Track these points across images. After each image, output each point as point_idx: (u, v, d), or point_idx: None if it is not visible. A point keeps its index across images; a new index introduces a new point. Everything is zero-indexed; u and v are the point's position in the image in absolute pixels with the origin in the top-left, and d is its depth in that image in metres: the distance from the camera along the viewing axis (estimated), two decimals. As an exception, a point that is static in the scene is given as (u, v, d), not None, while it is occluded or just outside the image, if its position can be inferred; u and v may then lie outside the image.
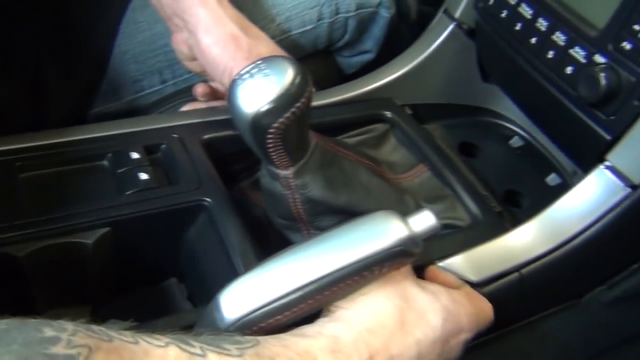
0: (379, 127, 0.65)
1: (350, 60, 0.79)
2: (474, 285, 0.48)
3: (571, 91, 0.51)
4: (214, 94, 0.63)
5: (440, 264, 0.49)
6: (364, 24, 0.74)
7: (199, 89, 0.62)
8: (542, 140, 0.71)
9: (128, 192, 0.49)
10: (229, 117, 0.45)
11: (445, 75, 0.71)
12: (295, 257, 0.37)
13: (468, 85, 0.73)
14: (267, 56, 0.42)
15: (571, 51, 0.50)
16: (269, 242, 0.51)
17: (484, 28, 0.63)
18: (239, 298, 0.36)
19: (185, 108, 0.63)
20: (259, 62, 0.42)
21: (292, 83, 0.41)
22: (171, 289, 0.53)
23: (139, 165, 0.51)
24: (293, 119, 0.41)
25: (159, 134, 0.56)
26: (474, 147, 0.72)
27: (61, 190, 0.49)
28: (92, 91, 0.66)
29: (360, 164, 0.53)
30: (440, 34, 0.68)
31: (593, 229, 0.50)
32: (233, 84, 0.41)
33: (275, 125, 0.41)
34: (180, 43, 0.60)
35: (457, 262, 0.49)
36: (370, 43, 0.77)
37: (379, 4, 0.73)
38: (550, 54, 0.52)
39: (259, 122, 0.41)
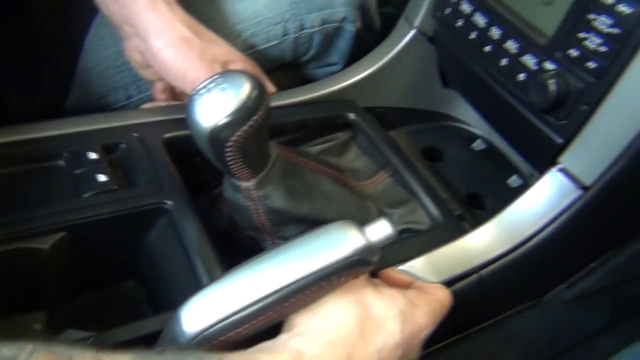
0: (342, 135, 0.66)
1: (317, 72, 0.79)
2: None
3: (524, 97, 0.52)
4: (173, 93, 0.63)
5: (401, 267, 0.50)
6: (329, 38, 0.75)
7: (158, 86, 0.62)
8: (503, 144, 0.73)
9: (86, 195, 0.48)
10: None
11: (406, 79, 0.73)
12: (253, 270, 0.37)
13: (430, 91, 0.75)
14: (223, 71, 0.43)
15: (522, 59, 0.52)
16: (238, 253, 0.51)
17: (442, 36, 0.64)
18: (199, 312, 0.36)
19: (145, 106, 0.63)
20: (215, 77, 0.42)
21: (249, 97, 0.41)
22: (129, 292, 0.52)
23: (97, 166, 0.50)
24: (251, 132, 0.42)
25: (118, 132, 0.55)
26: (438, 152, 0.74)
27: (14, 192, 0.48)
28: (57, 108, 0.65)
29: (322, 173, 0.54)
30: (401, 40, 0.70)
31: (548, 230, 0.52)
32: (190, 99, 0.42)
33: (233, 138, 0.41)
34: (132, 50, 0.59)
35: (417, 265, 0.50)
36: (337, 56, 0.78)
37: (344, 19, 0.74)
38: (504, 62, 0.54)
39: (217, 136, 0.41)
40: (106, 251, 0.49)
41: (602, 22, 0.45)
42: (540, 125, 0.53)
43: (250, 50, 0.70)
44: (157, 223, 0.50)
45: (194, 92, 0.42)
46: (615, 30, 0.44)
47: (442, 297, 0.46)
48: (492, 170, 0.72)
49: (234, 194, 0.48)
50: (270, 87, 0.65)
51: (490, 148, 0.75)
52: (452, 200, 0.63)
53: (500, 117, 0.63)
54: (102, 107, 0.66)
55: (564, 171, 0.51)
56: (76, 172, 0.49)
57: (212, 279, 0.43)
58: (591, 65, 0.46)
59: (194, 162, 0.57)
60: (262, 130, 0.43)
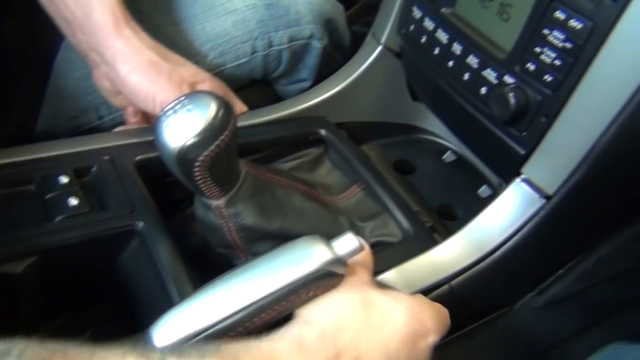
0: (314, 151, 0.67)
1: (287, 89, 0.81)
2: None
3: (486, 110, 0.54)
4: (144, 117, 0.63)
5: (372, 280, 0.50)
6: (298, 55, 0.76)
7: (130, 110, 0.62)
8: (473, 155, 0.74)
9: (57, 219, 0.48)
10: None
11: (376, 94, 0.74)
12: (222, 287, 0.38)
13: (399, 104, 0.76)
14: (187, 87, 0.44)
15: (484, 73, 0.54)
16: (212, 271, 0.51)
17: (408, 52, 0.66)
18: (169, 330, 0.36)
19: (117, 130, 0.63)
20: (181, 98, 0.43)
21: (216, 116, 0.42)
22: (104, 315, 0.52)
23: (68, 190, 0.50)
24: (219, 151, 0.42)
25: (90, 156, 0.55)
26: (409, 164, 0.75)
27: (-15, 217, 0.47)
28: (27, 131, 0.65)
29: (293, 188, 0.55)
30: (369, 56, 0.71)
31: (515, 239, 0.53)
32: (157, 121, 0.43)
33: (201, 158, 0.42)
34: (100, 78, 0.60)
35: (389, 277, 0.51)
36: (306, 72, 0.79)
37: (311, 36, 0.75)
38: (466, 76, 0.56)
39: (185, 156, 0.42)
40: (79, 274, 0.49)
41: (556, 37, 0.46)
42: (503, 137, 0.54)
43: (219, 69, 0.71)
44: (129, 245, 0.50)
45: (160, 114, 0.43)
46: (568, 45, 0.46)
47: (444, 311, 0.45)
48: (462, 181, 0.73)
49: (205, 213, 0.49)
50: (241, 107, 0.66)
51: (460, 159, 0.76)
52: (423, 212, 0.64)
53: (467, 130, 0.64)
54: (74, 128, 0.66)
55: (527, 181, 0.53)
56: (47, 196, 0.50)
57: (184, 298, 0.43)
58: (548, 78, 0.48)
59: (165, 182, 0.57)
60: (231, 149, 0.44)
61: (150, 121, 0.63)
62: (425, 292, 0.51)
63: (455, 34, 0.56)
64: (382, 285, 0.44)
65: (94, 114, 0.67)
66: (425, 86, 0.68)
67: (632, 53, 0.43)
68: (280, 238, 0.50)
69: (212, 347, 0.33)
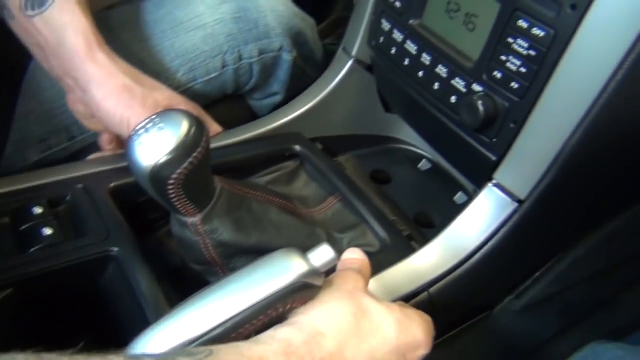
0: (290, 164, 0.67)
1: (261, 103, 0.81)
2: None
3: (457, 118, 0.55)
4: (120, 143, 0.63)
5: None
6: (269, 68, 0.77)
7: (105, 138, 0.62)
8: (448, 162, 0.75)
9: (32, 250, 0.48)
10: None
11: (350, 107, 0.75)
12: (199, 305, 0.37)
13: (373, 116, 0.77)
14: (161, 111, 0.44)
15: (453, 82, 0.55)
16: (190, 289, 0.51)
17: (379, 64, 0.67)
18: (146, 350, 0.36)
19: (91, 157, 0.63)
20: (153, 117, 0.43)
21: (188, 134, 0.42)
22: (84, 344, 0.51)
23: (42, 220, 0.50)
24: (192, 169, 0.42)
25: (64, 185, 0.55)
26: (386, 174, 0.76)
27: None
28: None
29: (270, 203, 0.55)
30: (341, 70, 0.72)
31: (491, 244, 0.54)
32: (129, 140, 0.43)
33: (175, 176, 0.42)
34: (75, 103, 0.60)
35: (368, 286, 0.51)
36: (278, 86, 0.79)
37: (281, 48, 0.76)
38: (436, 86, 0.57)
39: (158, 175, 0.42)
40: (57, 304, 0.49)
41: (520, 46, 0.47)
42: (474, 144, 0.55)
43: (190, 84, 0.71)
44: (105, 271, 0.50)
45: (132, 134, 0.43)
46: (532, 53, 0.47)
47: (430, 320, 0.46)
48: (438, 189, 0.74)
49: (181, 230, 0.49)
50: (216, 128, 0.66)
51: (436, 167, 0.77)
52: (401, 221, 0.64)
53: (439, 138, 0.65)
54: (44, 150, 0.66)
55: (499, 186, 0.54)
56: (22, 228, 0.50)
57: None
58: (514, 85, 0.49)
59: (141, 202, 0.57)
60: (204, 166, 0.44)
61: (125, 148, 0.63)
62: (404, 300, 0.52)
63: (424, 45, 0.57)
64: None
65: (64, 135, 0.67)
66: (398, 97, 0.69)
67: (593, 58, 0.44)
68: (258, 253, 0.50)
69: (204, 352, 0.33)
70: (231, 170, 0.65)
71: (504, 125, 0.51)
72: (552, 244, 0.62)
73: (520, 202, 0.53)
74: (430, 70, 0.57)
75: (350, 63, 0.71)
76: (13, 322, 0.47)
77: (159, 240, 0.60)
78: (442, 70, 0.56)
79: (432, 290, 0.54)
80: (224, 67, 0.73)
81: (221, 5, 0.73)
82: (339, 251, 0.44)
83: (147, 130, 0.42)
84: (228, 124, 0.69)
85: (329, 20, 1.04)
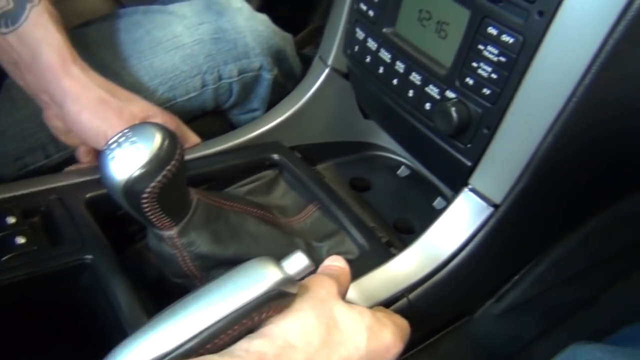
0: (269, 174, 0.68)
1: (240, 118, 0.81)
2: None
3: (432, 124, 0.55)
4: (97, 155, 0.63)
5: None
6: (249, 86, 0.77)
7: (82, 150, 0.62)
8: (425, 168, 0.76)
9: (3, 258, 0.48)
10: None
11: (328, 115, 0.75)
12: (172, 317, 0.37)
13: (351, 123, 0.77)
14: (135, 123, 0.44)
15: (427, 89, 0.55)
16: (169, 302, 0.51)
17: (354, 72, 0.67)
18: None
19: (68, 169, 0.63)
20: (125, 131, 0.43)
21: (161, 147, 0.42)
22: (62, 354, 0.51)
23: (15, 230, 0.50)
24: (166, 182, 0.42)
25: (39, 196, 0.55)
26: (365, 181, 0.76)
27: None
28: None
29: (247, 213, 0.55)
30: (318, 78, 0.72)
31: (468, 248, 0.55)
32: (102, 155, 0.42)
33: (148, 189, 0.42)
34: (52, 118, 0.60)
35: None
36: (257, 102, 0.80)
37: (260, 68, 0.76)
38: (411, 93, 0.57)
39: (132, 188, 0.42)
40: (31, 313, 0.49)
41: (490, 52, 0.48)
42: (449, 150, 0.55)
43: (170, 103, 0.72)
44: (80, 280, 0.49)
45: (105, 148, 0.43)
46: (502, 59, 0.47)
47: (405, 323, 0.47)
48: (417, 194, 0.75)
49: (158, 244, 0.48)
50: (194, 139, 0.66)
51: (415, 173, 0.78)
52: (380, 227, 0.65)
53: (416, 145, 0.66)
54: (20, 168, 0.65)
55: (474, 191, 0.54)
56: None
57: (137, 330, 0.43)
58: (486, 91, 0.49)
59: (118, 216, 0.57)
60: (179, 179, 0.44)
61: None
62: (384, 306, 0.52)
63: (398, 53, 0.58)
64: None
65: (41, 153, 0.66)
66: (374, 104, 0.70)
67: (561, 64, 0.45)
68: (236, 264, 0.49)
69: None
70: (210, 180, 0.65)
71: (477, 130, 0.52)
72: (530, 246, 0.62)
73: (495, 206, 0.53)
74: (404, 77, 0.57)
75: (326, 71, 0.72)
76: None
77: (138, 252, 0.59)
78: (415, 78, 0.56)
79: (411, 295, 0.54)
80: (203, 86, 0.73)
81: (200, 26, 0.73)
82: (317, 259, 0.44)
83: (119, 145, 0.42)
84: (207, 136, 0.69)
85: (306, 31, 1.04)
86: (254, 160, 0.68)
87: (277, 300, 0.39)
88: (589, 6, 0.42)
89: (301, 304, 0.41)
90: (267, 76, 0.77)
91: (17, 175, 0.65)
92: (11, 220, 0.50)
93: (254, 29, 0.76)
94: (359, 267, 0.54)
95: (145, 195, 0.42)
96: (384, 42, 0.59)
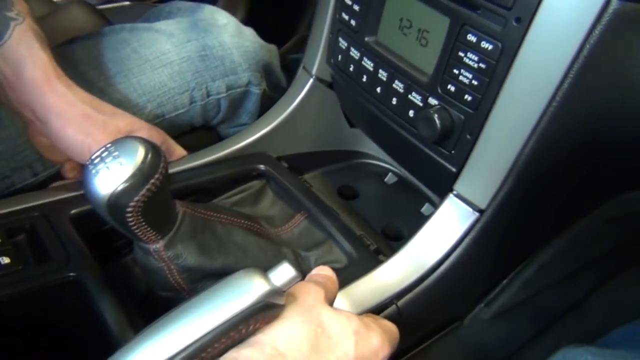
0: (256, 184, 0.68)
1: (229, 132, 0.82)
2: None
3: (416, 132, 0.56)
4: (82, 170, 0.63)
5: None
6: (237, 101, 0.78)
7: (67, 166, 0.62)
8: (411, 175, 0.76)
9: None
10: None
11: (314, 124, 0.76)
12: (159, 331, 0.37)
13: (337, 132, 0.78)
14: (115, 139, 0.44)
15: (410, 96, 0.55)
16: (157, 317, 0.51)
17: (338, 81, 0.67)
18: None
19: (53, 185, 0.63)
20: (108, 146, 0.43)
21: (144, 161, 0.42)
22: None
23: None
24: (150, 195, 0.42)
25: (23, 214, 0.55)
26: (353, 189, 0.76)
27: None
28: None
29: (234, 224, 0.55)
30: (303, 88, 0.73)
31: (455, 254, 0.55)
32: (85, 170, 0.42)
33: (132, 203, 0.42)
34: (36, 135, 0.60)
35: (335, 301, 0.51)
36: (246, 117, 0.80)
37: (248, 83, 0.77)
38: (394, 101, 0.57)
39: (116, 203, 0.42)
40: (17, 332, 0.48)
41: (471, 59, 0.49)
42: (434, 157, 0.56)
43: (159, 119, 0.72)
44: (66, 297, 0.49)
45: (88, 163, 0.42)
46: (482, 65, 0.48)
47: (394, 327, 0.47)
48: (405, 201, 0.75)
49: (145, 257, 0.48)
50: (180, 152, 0.66)
51: (402, 180, 0.78)
52: (368, 235, 0.65)
53: (401, 152, 0.66)
54: (7, 187, 0.65)
55: (460, 197, 0.54)
56: None
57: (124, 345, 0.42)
58: (467, 98, 0.50)
59: (104, 231, 0.57)
60: (163, 192, 0.44)
61: None
62: (373, 313, 0.52)
63: (380, 62, 0.58)
64: None
65: (28, 172, 0.66)
66: (359, 113, 0.70)
67: (540, 69, 0.45)
68: (224, 275, 0.50)
69: None
70: (196, 192, 0.65)
71: (460, 137, 0.52)
72: (517, 250, 0.63)
73: (481, 211, 0.53)
74: (387, 85, 0.58)
75: (311, 81, 0.72)
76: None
77: (125, 267, 0.59)
78: (398, 86, 0.57)
79: (399, 302, 0.54)
80: (191, 102, 0.73)
81: (187, 43, 0.74)
82: (305, 269, 0.44)
83: (102, 160, 0.42)
84: (196, 150, 0.69)
85: (293, 39, 1.05)
86: (240, 171, 0.68)
87: (264, 312, 0.39)
88: (565, 12, 0.43)
89: (289, 311, 0.41)
90: (256, 91, 0.78)
91: (3, 194, 0.65)
92: None
93: (240, 45, 0.76)
94: (347, 275, 0.54)
95: (129, 209, 0.42)
96: (367, 51, 0.59)
